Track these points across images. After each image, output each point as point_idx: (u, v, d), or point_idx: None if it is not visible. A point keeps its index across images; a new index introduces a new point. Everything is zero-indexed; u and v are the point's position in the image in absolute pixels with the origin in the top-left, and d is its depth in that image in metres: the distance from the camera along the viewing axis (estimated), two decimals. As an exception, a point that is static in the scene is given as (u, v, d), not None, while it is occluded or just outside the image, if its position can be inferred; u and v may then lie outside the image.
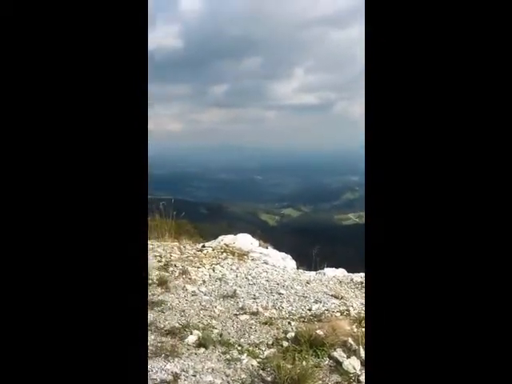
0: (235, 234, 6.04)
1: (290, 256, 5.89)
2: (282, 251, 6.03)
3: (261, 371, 2.41)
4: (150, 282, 3.81)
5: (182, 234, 5.90)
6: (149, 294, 3.59)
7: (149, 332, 2.90)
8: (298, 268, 5.42)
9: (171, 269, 4.20)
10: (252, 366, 2.48)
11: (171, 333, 2.87)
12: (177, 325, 2.97)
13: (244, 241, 5.83)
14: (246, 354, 2.61)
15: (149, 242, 5.26)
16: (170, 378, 2.30)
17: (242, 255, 5.05)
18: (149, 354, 2.57)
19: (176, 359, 2.51)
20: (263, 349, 2.71)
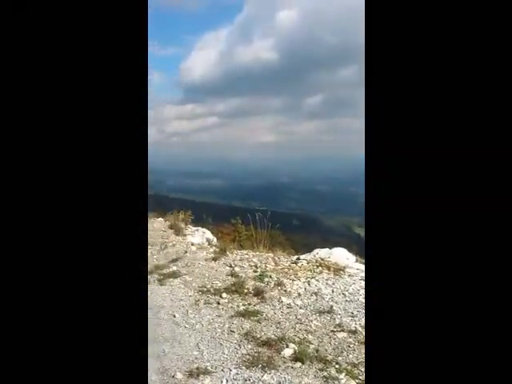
0: (330, 248, 5.94)
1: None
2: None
3: (360, 393, 2.33)
4: (245, 291, 3.93)
5: (275, 245, 5.98)
6: (245, 303, 3.70)
7: (245, 341, 2.98)
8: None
9: (266, 279, 4.27)
10: (350, 386, 2.41)
11: (267, 344, 2.91)
12: (273, 336, 3.01)
13: (340, 255, 5.71)
14: (344, 374, 2.54)
15: (244, 252, 5.43)
16: (267, 389, 2.33)
17: (337, 270, 4.94)
18: (246, 364, 2.65)
19: (273, 371, 2.54)
20: (362, 370, 2.61)
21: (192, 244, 5.87)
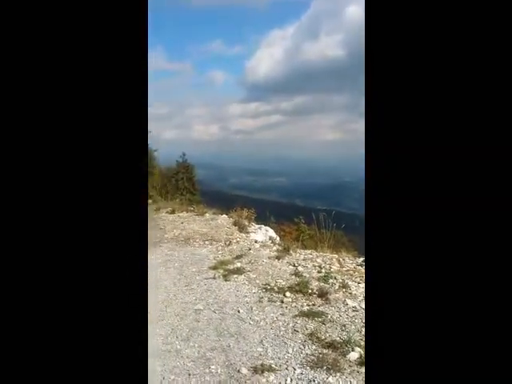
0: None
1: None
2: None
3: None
4: (309, 291, 3.90)
5: (338, 246, 5.88)
6: (309, 303, 3.68)
7: (309, 342, 2.96)
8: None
9: (331, 281, 4.22)
10: None
11: (332, 346, 2.87)
12: (338, 339, 2.97)
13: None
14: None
15: (308, 252, 5.40)
16: (333, 392, 2.30)
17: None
18: (310, 364, 2.63)
19: (338, 374, 2.50)
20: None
21: (255, 241, 5.95)
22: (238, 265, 4.87)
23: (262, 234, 6.53)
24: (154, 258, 5.35)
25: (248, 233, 6.43)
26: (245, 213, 7.18)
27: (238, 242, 5.98)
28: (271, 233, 6.70)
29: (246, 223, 6.92)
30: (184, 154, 17.74)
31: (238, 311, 3.55)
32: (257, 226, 7.01)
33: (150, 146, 14.78)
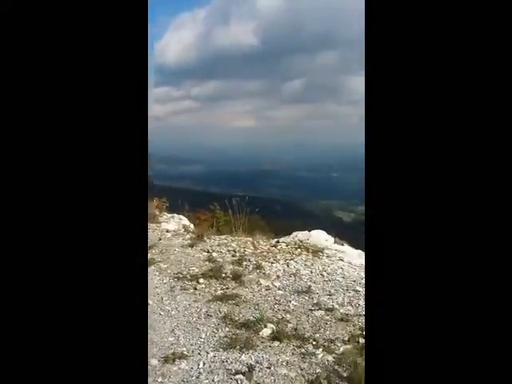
0: (309, 231, 5.95)
1: (366, 254, 5.67)
2: (359, 249, 5.83)
3: (336, 366, 2.33)
4: (223, 275, 3.89)
5: (255, 230, 5.94)
6: (223, 287, 3.66)
7: (223, 324, 2.94)
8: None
9: (245, 263, 4.24)
10: (327, 361, 2.40)
11: (245, 326, 2.88)
12: (251, 318, 2.98)
13: (318, 237, 5.72)
14: (321, 349, 2.54)
15: (222, 237, 5.38)
16: (245, 369, 2.30)
17: (316, 252, 4.95)
18: (223, 346, 2.61)
19: (251, 351, 2.51)
20: (339, 345, 2.61)
21: (167, 231, 5.77)
22: (148, 256, 4.69)
23: (175, 223, 6.36)
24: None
25: (159, 223, 6.21)
26: (155, 202, 6.93)
27: (149, 233, 5.77)
28: (185, 221, 6.55)
29: (157, 213, 6.69)
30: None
31: (148, 304, 3.42)
32: (169, 215, 6.81)
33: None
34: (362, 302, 3.40)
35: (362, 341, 2.63)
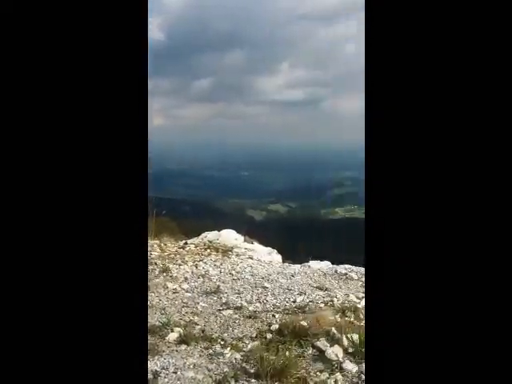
0: (219, 231, 5.98)
1: (275, 251, 5.86)
2: (268, 246, 5.99)
3: (244, 364, 2.36)
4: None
5: (163, 232, 5.81)
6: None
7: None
8: (283, 262, 5.40)
9: (151, 267, 4.12)
10: (235, 359, 2.43)
11: (151, 331, 2.79)
12: (157, 323, 2.90)
13: (228, 237, 5.78)
14: (229, 348, 2.56)
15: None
16: (150, 376, 2.23)
17: (226, 251, 4.99)
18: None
19: (156, 357, 2.44)
20: (247, 342, 2.66)
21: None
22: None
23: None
24: None
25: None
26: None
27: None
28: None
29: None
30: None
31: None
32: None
33: None
34: (270, 298, 3.51)
35: (269, 336, 2.70)
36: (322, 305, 3.36)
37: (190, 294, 3.53)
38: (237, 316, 3.09)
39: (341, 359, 2.36)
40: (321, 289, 3.80)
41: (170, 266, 4.15)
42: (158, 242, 5.11)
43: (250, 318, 3.06)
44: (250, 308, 3.26)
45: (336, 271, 4.44)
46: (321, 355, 2.42)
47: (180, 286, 3.70)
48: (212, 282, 3.85)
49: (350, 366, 2.29)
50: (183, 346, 2.60)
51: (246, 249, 5.46)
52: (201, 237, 5.57)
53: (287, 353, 2.37)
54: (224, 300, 3.40)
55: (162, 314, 3.09)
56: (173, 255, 4.58)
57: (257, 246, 5.90)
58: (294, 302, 3.44)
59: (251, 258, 4.93)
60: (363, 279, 4.30)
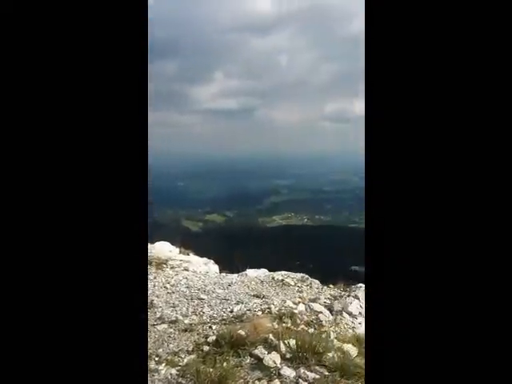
0: (153, 243, 5.82)
1: (212, 261, 5.81)
2: (205, 257, 5.92)
3: (180, 379, 2.30)
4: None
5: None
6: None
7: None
8: (220, 272, 5.36)
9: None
10: (171, 374, 2.35)
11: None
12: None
13: (162, 249, 5.64)
14: (164, 364, 2.48)
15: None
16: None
17: (160, 264, 4.86)
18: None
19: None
20: (183, 356, 2.59)
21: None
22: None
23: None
24: None
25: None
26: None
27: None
28: None
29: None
30: None
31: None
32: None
33: None
34: (207, 310, 3.45)
35: (206, 348, 2.65)
36: (260, 312, 3.37)
37: (122, 311, 3.37)
38: (172, 330, 3.00)
39: (279, 365, 2.37)
40: (258, 297, 3.82)
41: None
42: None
43: (185, 331, 2.99)
44: (186, 321, 3.19)
45: (273, 278, 4.49)
46: (259, 363, 2.42)
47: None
48: (146, 297, 3.72)
49: (288, 372, 2.31)
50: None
51: (181, 260, 5.35)
52: (134, 250, 5.37)
53: (225, 364, 2.34)
54: (158, 314, 3.30)
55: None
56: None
57: (192, 257, 5.81)
58: (232, 311, 3.42)
59: (187, 270, 4.84)
60: (299, 284, 4.39)
